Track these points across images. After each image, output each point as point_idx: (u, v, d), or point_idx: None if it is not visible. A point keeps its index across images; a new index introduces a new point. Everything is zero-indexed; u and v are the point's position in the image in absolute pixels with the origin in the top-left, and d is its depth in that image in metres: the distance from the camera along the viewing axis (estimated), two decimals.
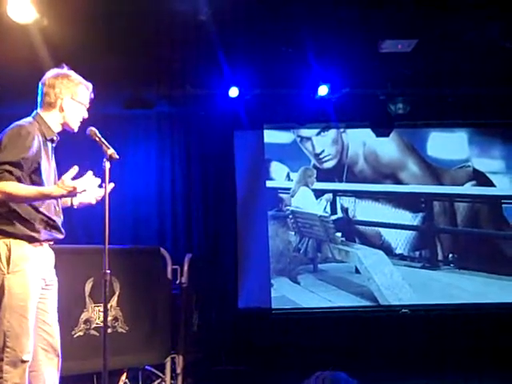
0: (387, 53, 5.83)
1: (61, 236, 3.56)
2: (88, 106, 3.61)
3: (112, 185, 3.58)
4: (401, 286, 7.31)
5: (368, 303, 7.24)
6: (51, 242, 3.54)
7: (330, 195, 7.54)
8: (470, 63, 6.08)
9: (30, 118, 3.49)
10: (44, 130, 3.48)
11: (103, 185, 3.50)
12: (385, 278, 7.34)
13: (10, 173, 3.26)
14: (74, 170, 3.25)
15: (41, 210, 3.42)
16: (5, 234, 3.34)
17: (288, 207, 7.51)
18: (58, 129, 3.56)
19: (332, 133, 7.61)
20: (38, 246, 3.43)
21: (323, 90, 6.61)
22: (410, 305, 7.20)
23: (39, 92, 3.56)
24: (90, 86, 3.62)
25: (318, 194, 7.54)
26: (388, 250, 7.46)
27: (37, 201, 3.34)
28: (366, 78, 6.53)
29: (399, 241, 7.50)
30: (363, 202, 7.59)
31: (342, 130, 7.59)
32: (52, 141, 3.54)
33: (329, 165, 7.63)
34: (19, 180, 3.29)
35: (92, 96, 3.64)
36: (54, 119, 3.53)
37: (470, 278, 7.36)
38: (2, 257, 3.32)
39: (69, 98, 3.52)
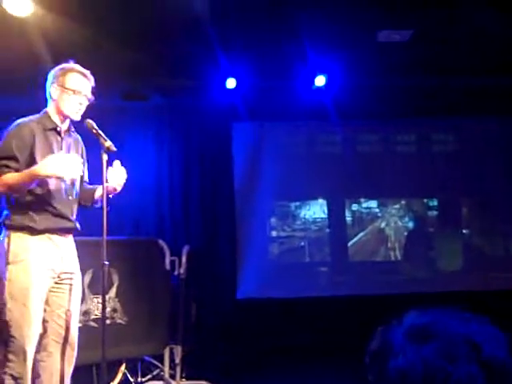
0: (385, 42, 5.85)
1: (69, 224, 3.58)
2: (85, 92, 3.61)
3: (118, 162, 3.63)
4: None
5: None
6: (58, 232, 3.54)
7: None
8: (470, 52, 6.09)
9: (39, 114, 3.60)
10: (45, 121, 3.54)
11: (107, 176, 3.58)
12: None
13: (7, 167, 3.33)
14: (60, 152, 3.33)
15: (44, 198, 3.47)
16: (5, 226, 3.43)
17: None
18: (57, 118, 3.60)
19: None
20: (42, 236, 3.46)
21: (320, 81, 6.63)
22: None
23: None
24: (86, 72, 3.64)
25: None
26: None
27: (30, 182, 3.36)
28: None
29: None
30: None
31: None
32: (57, 131, 3.58)
33: None
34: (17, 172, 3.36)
35: (92, 83, 3.66)
36: (52, 109, 3.60)
37: None
38: (3, 249, 3.38)
39: (57, 86, 3.56)
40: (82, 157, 3.80)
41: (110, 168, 3.60)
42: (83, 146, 3.85)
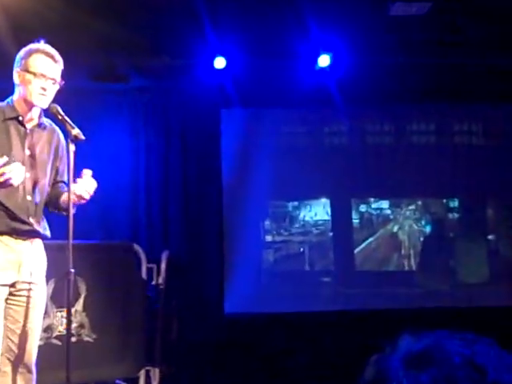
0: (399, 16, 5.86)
1: (25, 227, 3.58)
2: (51, 75, 3.61)
3: (89, 172, 3.61)
4: None
5: None
6: (13, 235, 3.55)
7: None
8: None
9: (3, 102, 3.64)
10: (6, 110, 3.58)
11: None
12: None
13: None
14: (2, 158, 3.28)
15: None
16: None
17: None
18: (21, 107, 3.61)
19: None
20: None
21: (324, 61, 6.64)
22: None
23: None
24: (54, 53, 3.64)
25: None
26: None
27: None
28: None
29: None
30: None
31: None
32: (19, 121, 3.60)
33: None
34: None
35: (61, 65, 3.66)
36: (17, 96, 3.63)
37: None
38: None
39: (20, 71, 3.59)
40: (58, 152, 3.81)
41: (79, 179, 3.58)
42: (60, 140, 3.84)
